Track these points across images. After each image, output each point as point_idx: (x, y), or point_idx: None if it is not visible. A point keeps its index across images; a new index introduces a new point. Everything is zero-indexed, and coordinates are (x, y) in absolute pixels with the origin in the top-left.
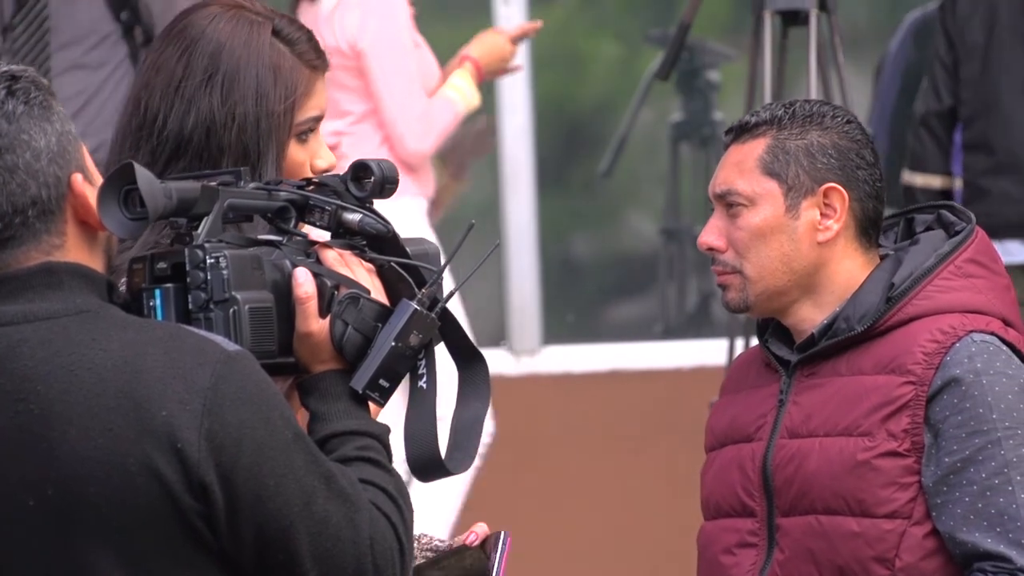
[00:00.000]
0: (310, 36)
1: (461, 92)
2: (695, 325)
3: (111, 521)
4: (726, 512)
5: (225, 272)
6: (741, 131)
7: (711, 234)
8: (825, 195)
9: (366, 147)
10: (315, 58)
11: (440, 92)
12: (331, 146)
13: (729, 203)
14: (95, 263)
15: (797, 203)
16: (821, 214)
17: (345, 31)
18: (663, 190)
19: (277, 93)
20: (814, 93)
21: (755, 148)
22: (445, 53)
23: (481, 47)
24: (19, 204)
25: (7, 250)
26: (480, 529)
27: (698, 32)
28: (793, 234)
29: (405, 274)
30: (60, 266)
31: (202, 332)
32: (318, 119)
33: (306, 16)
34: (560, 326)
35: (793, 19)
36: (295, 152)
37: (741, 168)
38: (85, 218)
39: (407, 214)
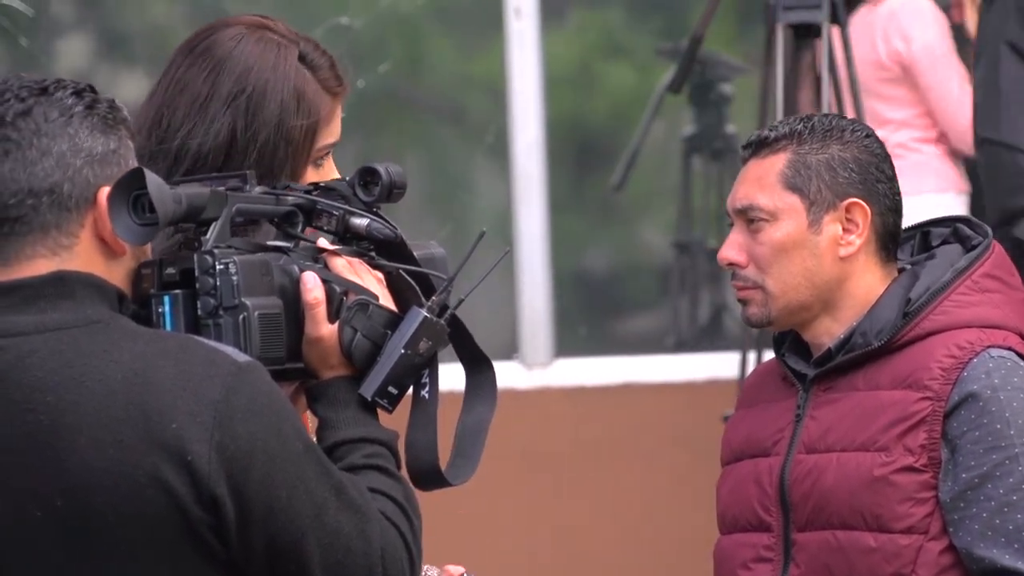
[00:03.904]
0: (332, 62)
1: None
2: (707, 338)
3: (119, 532)
4: (742, 527)
5: (235, 278)
6: (760, 146)
7: (731, 249)
8: (847, 210)
9: (910, 155)
10: (336, 84)
11: None
12: None
13: (750, 218)
14: (113, 278)
15: (819, 218)
16: (843, 229)
17: (890, 43)
18: (675, 203)
19: (298, 120)
20: (826, 106)
21: (776, 163)
22: (455, 65)
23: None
24: (37, 187)
25: (14, 236)
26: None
27: (710, 45)
28: (815, 249)
29: (412, 282)
30: (72, 276)
31: (212, 343)
32: (333, 145)
33: (859, 23)
34: (572, 339)
35: (805, 32)
36: (309, 176)
37: (762, 183)
38: (102, 233)
39: (950, 210)
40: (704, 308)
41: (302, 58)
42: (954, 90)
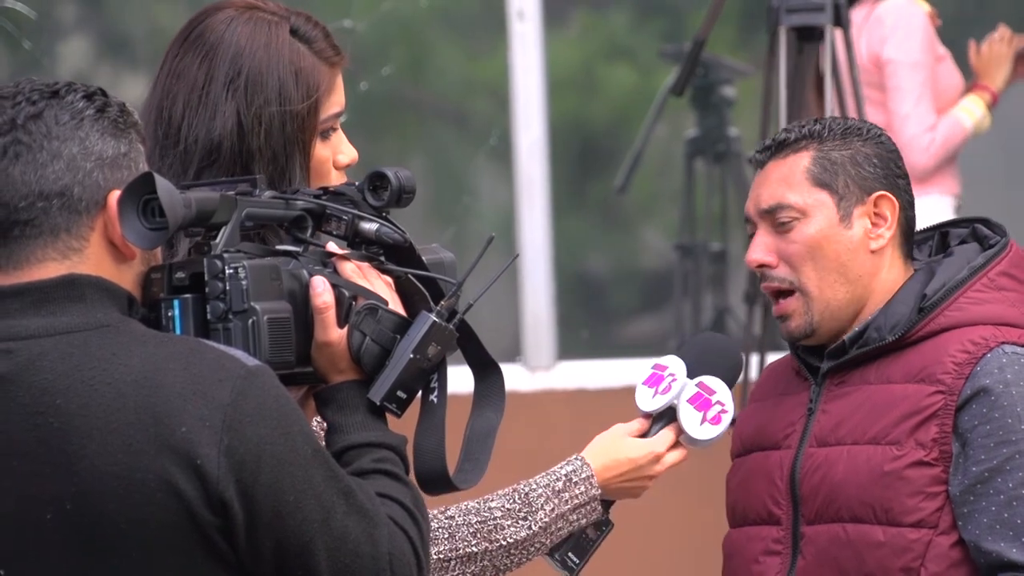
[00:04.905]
0: (326, 33)
1: (971, 113)
2: None
3: (129, 536)
4: (752, 520)
5: (244, 282)
6: (781, 147)
7: (760, 251)
8: (875, 203)
9: None
10: (333, 54)
11: (951, 112)
12: None
13: (779, 218)
14: (122, 282)
15: (849, 212)
16: (872, 223)
17: (871, 45)
18: (678, 206)
19: (299, 94)
20: (830, 108)
21: (799, 161)
22: (458, 68)
23: (990, 75)
24: (47, 190)
25: (24, 239)
26: None
27: (713, 48)
28: (848, 244)
29: (421, 286)
30: (83, 279)
31: (222, 347)
32: (339, 115)
33: (858, 16)
34: (575, 342)
35: (808, 35)
36: (319, 149)
37: (789, 182)
38: (112, 237)
39: (934, 211)
40: (707, 311)
41: (294, 32)
42: (905, 104)
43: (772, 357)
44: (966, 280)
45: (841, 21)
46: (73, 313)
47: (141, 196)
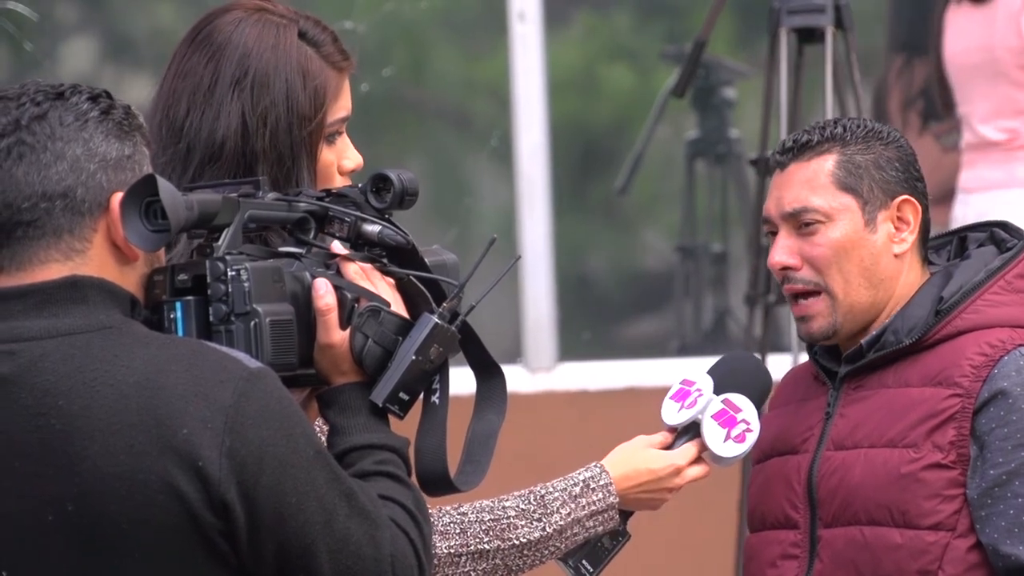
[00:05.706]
0: (335, 37)
1: None
2: (711, 342)
3: (131, 538)
4: (771, 524)
5: (246, 284)
6: (803, 149)
7: (783, 253)
8: (898, 208)
9: None
10: (341, 59)
11: None
12: (1003, 142)
13: (803, 220)
14: (125, 283)
15: (874, 216)
16: (895, 227)
17: None
18: (679, 207)
19: (306, 97)
20: (830, 111)
21: (823, 164)
22: (459, 69)
23: None
24: (50, 190)
25: (27, 240)
26: None
27: (714, 49)
28: (873, 248)
29: (423, 288)
30: (85, 280)
31: (224, 349)
32: (345, 120)
33: (964, 18)
34: (576, 343)
35: (809, 37)
36: (324, 153)
37: (813, 185)
38: (115, 239)
39: None
40: (708, 312)
41: (302, 35)
42: None
43: (773, 359)
44: (983, 283)
45: (842, 23)
46: (75, 315)
47: (144, 198)
